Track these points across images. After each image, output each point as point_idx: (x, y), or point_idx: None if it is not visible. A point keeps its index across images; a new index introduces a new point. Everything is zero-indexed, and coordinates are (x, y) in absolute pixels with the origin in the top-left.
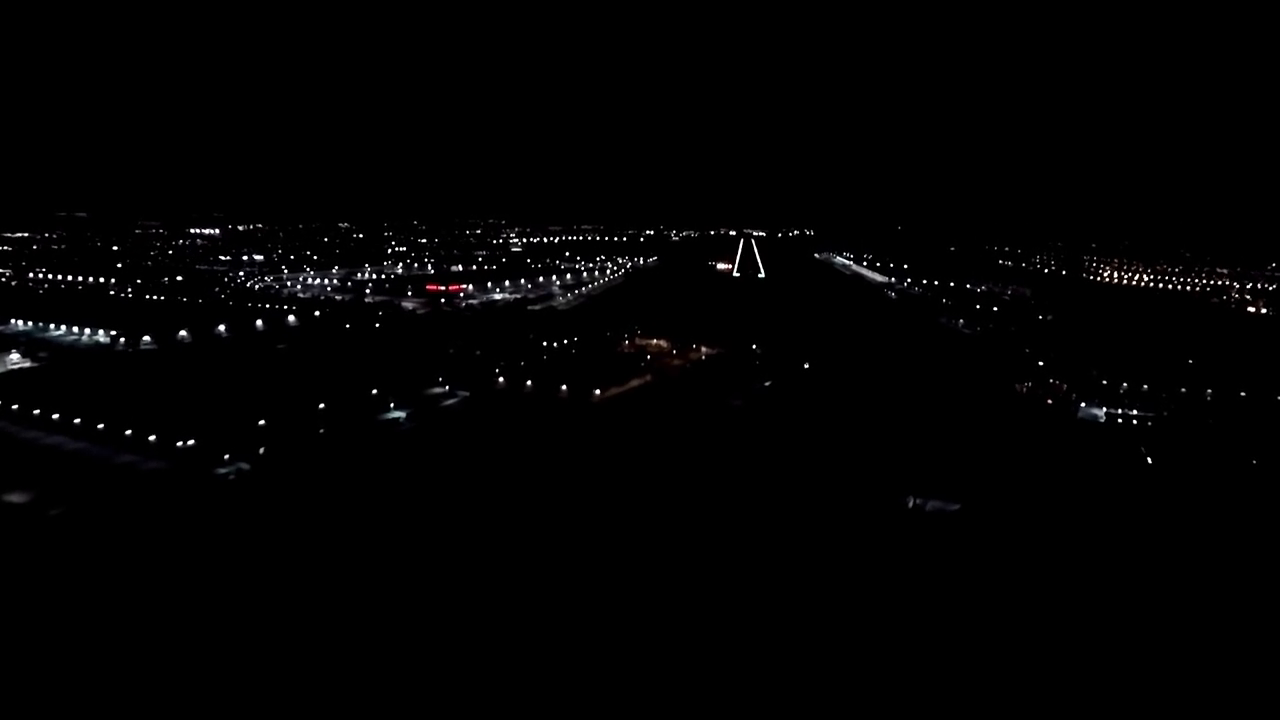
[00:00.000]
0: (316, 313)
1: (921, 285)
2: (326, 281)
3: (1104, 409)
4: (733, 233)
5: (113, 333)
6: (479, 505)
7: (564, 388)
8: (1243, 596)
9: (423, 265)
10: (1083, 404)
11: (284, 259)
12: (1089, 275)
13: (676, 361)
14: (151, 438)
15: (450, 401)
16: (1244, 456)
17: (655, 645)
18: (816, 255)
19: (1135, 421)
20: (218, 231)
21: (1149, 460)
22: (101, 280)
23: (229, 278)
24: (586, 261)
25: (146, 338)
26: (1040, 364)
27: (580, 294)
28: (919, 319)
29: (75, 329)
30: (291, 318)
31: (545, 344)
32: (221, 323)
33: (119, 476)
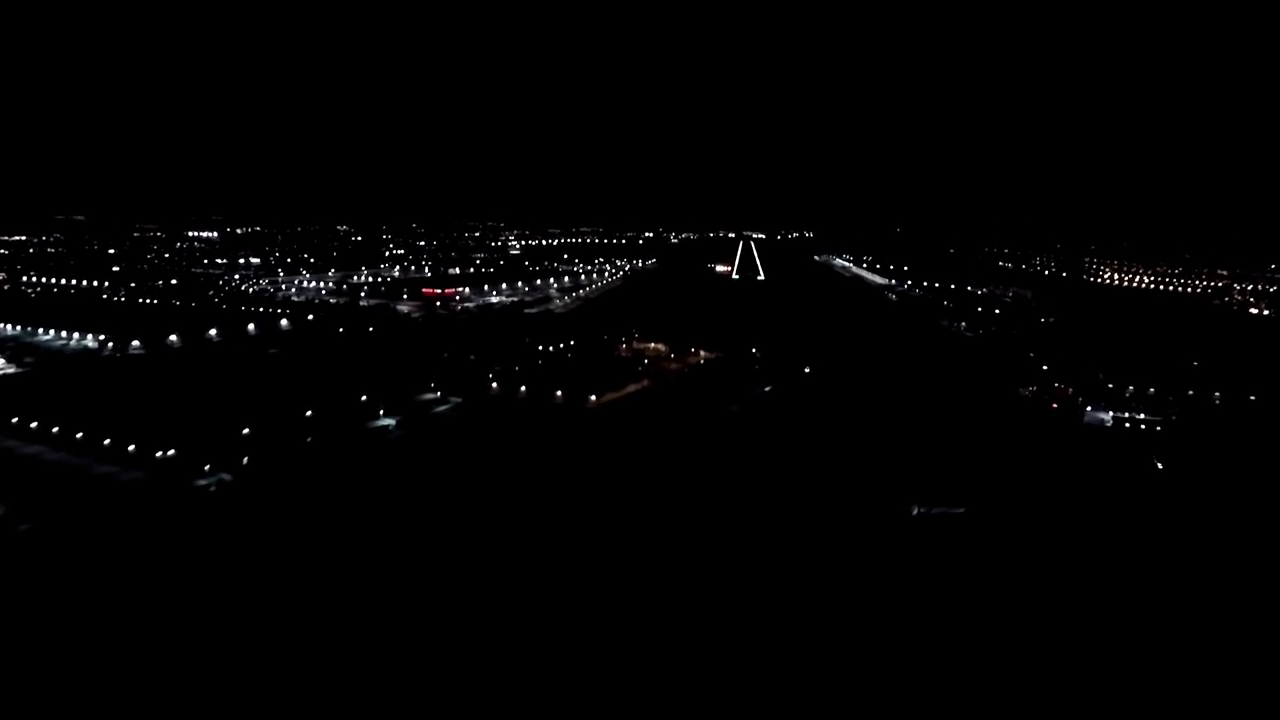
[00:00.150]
0: (310, 316)
1: (922, 287)
2: (322, 284)
3: (1110, 413)
4: (732, 235)
5: (101, 337)
6: (468, 517)
7: (559, 393)
8: (1261, 608)
9: (420, 268)
10: (1088, 408)
11: (281, 262)
12: (1089, 277)
13: (675, 366)
14: (130, 447)
15: (442, 408)
16: (1257, 462)
17: (654, 663)
18: (816, 257)
19: (1143, 426)
20: (216, 234)
21: (1159, 466)
22: (95, 283)
23: (224, 281)
24: (585, 264)
25: (135, 342)
26: (1044, 367)
27: (578, 297)
28: (920, 322)
29: (64, 333)
30: (284, 321)
31: (541, 348)
32: (213, 326)
33: (95, 489)
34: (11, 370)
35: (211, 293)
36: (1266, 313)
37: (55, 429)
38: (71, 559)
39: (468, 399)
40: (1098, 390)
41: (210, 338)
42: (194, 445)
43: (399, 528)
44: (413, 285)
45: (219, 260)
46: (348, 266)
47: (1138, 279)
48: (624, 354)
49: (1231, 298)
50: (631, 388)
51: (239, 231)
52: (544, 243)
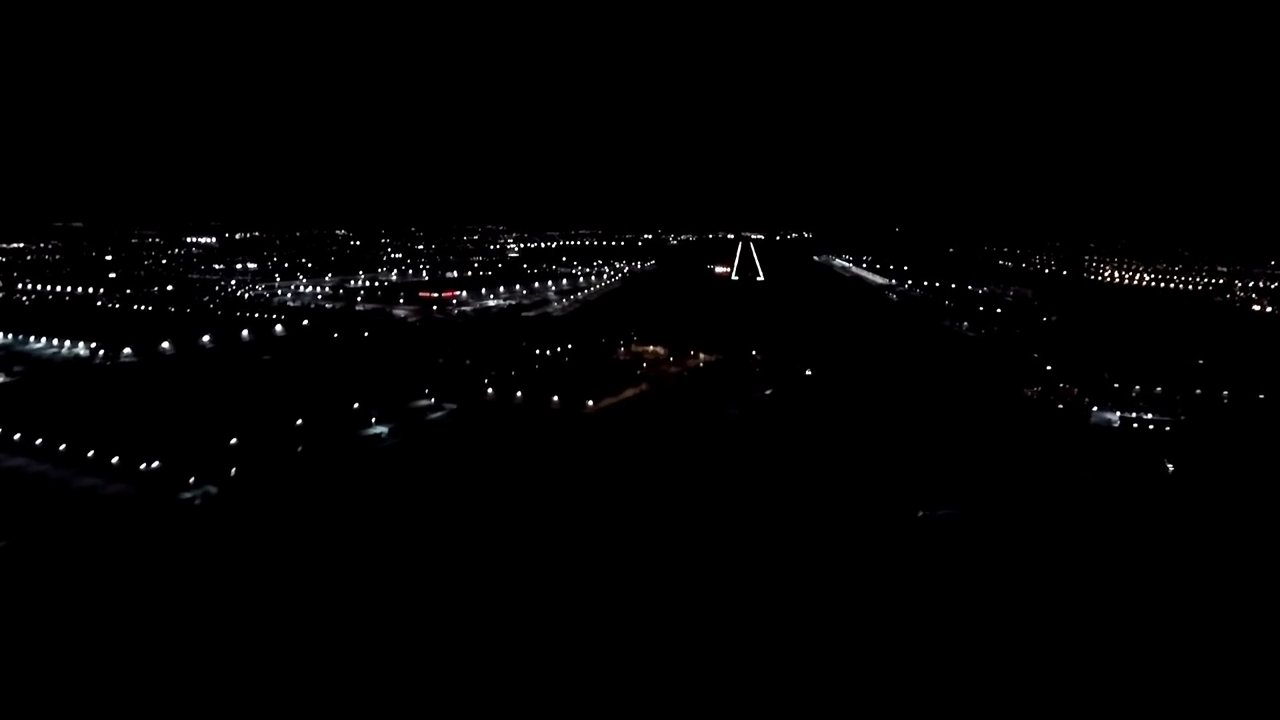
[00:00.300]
0: (305, 321)
1: (922, 287)
2: (318, 289)
3: (1117, 413)
4: (731, 236)
5: (93, 345)
6: (460, 529)
7: (556, 399)
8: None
9: (418, 272)
10: (1094, 408)
11: (278, 267)
12: (1090, 275)
13: (674, 369)
14: (115, 459)
15: (436, 415)
16: (1270, 463)
17: (655, 680)
18: (815, 258)
19: (1151, 426)
20: (214, 240)
21: (1170, 468)
22: (90, 290)
23: (220, 286)
24: (583, 266)
25: (127, 350)
26: (1048, 368)
27: (576, 299)
28: (922, 322)
29: (55, 341)
30: (279, 327)
31: (538, 352)
32: (206, 333)
33: (75, 503)
34: (1, 379)
35: (206, 299)
36: (1269, 309)
37: (39, 441)
38: (45, 577)
39: (463, 405)
40: (1103, 390)
41: (203, 344)
42: (179, 457)
43: (388, 541)
44: (410, 289)
45: (216, 266)
46: (345, 271)
47: (1138, 277)
48: (622, 357)
49: (1234, 294)
50: (630, 392)
51: (237, 237)
52: (542, 245)
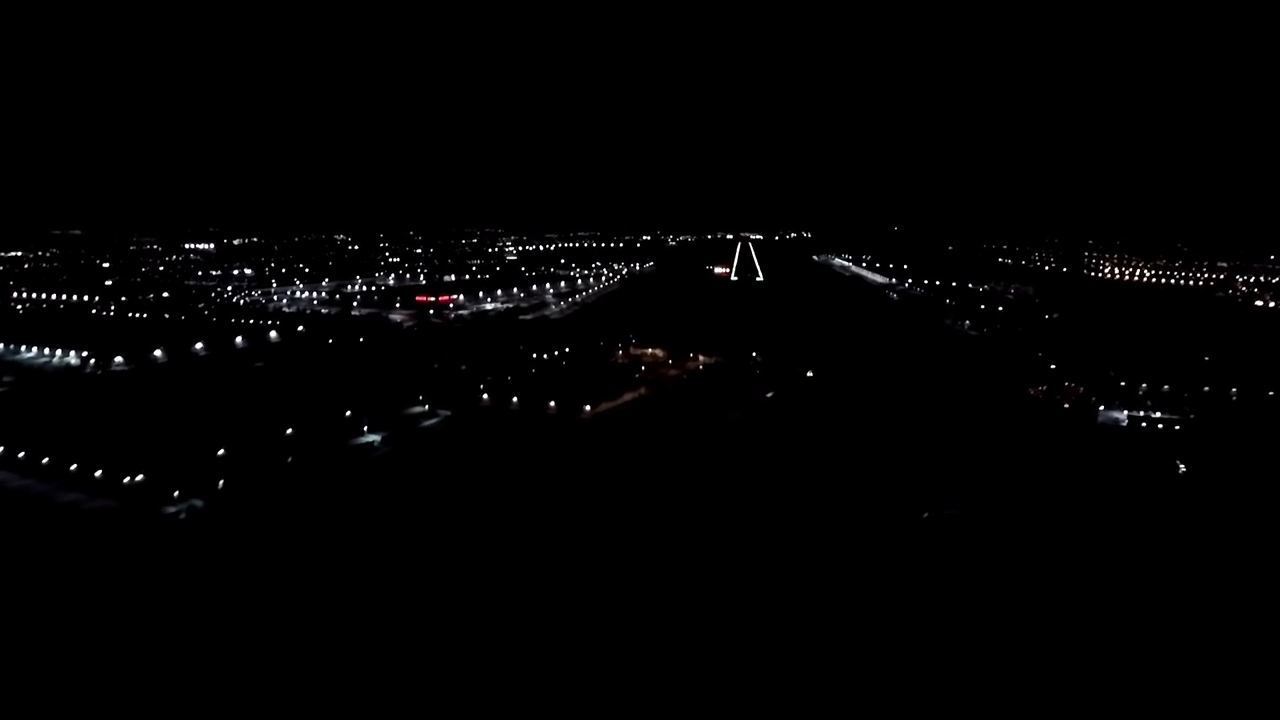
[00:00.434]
0: (300, 327)
1: (923, 286)
2: (315, 294)
3: (1125, 412)
4: (729, 236)
5: (84, 353)
6: (453, 541)
7: (553, 404)
8: None
9: (415, 276)
10: (1101, 407)
11: (275, 272)
12: (1089, 272)
13: (673, 372)
14: (98, 473)
15: (430, 422)
16: None
17: (655, 698)
18: (815, 257)
19: (1160, 426)
20: (212, 246)
21: (1181, 468)
22: (85, 298)
23: (216, 293)
24: (582, 268)
25: (119, 358)
26: (1052, 366)
27: (574, 302)
28: (923, 321)
29: (47, 350)
30: (273, 334)
31: (535, 356)
32: (199, 340)
33: (56, 519)
34: None
35: (201, 305)
36: (1272, 305)
37: (22, 454)
38: (18, 598)
39: (457, 411)
40: (1110, 388)
41: (196, 352)
42: (164, 470)
43: (377, 556)
44: (407, 293)
45: (213, 272)
46: (342, 276)
47: (1138, 273)
48: (621, 361)
49: (1235, 290)
50: (628, 396)
51: (236, 243)
52: (541, 248)
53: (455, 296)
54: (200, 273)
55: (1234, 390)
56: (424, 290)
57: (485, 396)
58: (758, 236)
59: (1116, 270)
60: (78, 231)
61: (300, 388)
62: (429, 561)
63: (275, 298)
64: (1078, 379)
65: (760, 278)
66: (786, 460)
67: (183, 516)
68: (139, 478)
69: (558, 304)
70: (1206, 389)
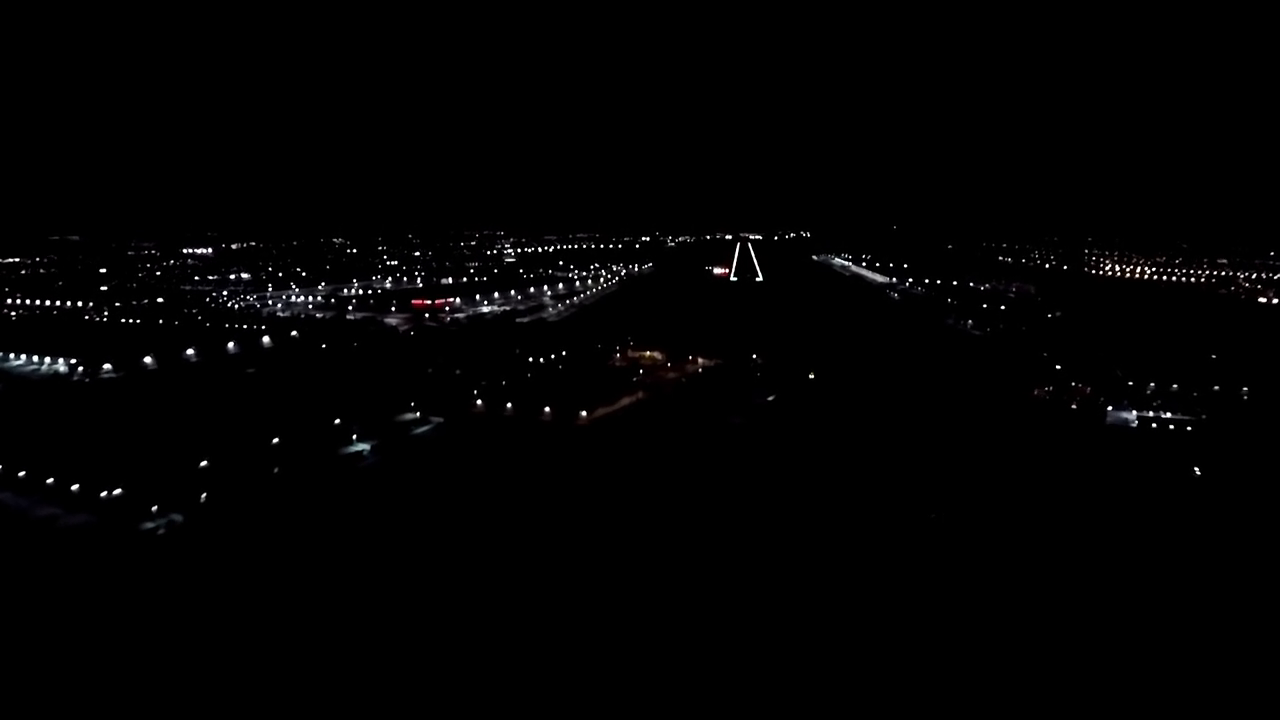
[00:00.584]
0: (293, 332)
1: (923, 285)
2: (310, 298)
3: (1134, 413)
4: (729, 236)
5: (72, 361)
6: (442, 554)
7: (548, 409)
8: None
9: (413, 279)
10: (1109, 408)
11: (272, 276)
12: (1090, 270)
13: (672, 375)
14: (75, 487)
15: (422, 429)
16: None
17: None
18: (814, 257)
19: (1172, 427)
20: (210, 250)
21: (1196, 470)
22: (79, 304)
23: (210, 297)
24: (580, 270)
25: (107, 365)
26: (1058, 366)
27: (572, 304)
28: (925, 321)
29: (36, 358)
30: (266, 339)
31: (531, 360)
32: (191, 346)
33: (30, 534)
34: None
35: (195, 310)
36: (1276, 301)
37: (0, 466)
38: None
39: (450, 418)
40: (1117, 388)
41: (187, 358)
42: (144, 483)
43: (361, 573)
44: (403, 297)
45: (210, 277)
46: (339, 279)
47: (1139, 270)
48: (619, 364)
49: (1238, 287)
50: (626, 400)
51: (234, 247)
52: (540, 250)
53: (451, 299)
54: (197, 277)
55: (1245, 390)
56: (421, 293)
57: (479, 402)
58: (757, 237)
59: (1117, 268)
60: (75, 237)
61: (291, 394)
62: (414, 578)
63: (271, 302)
64: (1084, 379)
65: (760, 278)
66: (791, 467)
67: (161, 532)
68: (117, 491)
69: (555, 306)
70: (1217, 388)
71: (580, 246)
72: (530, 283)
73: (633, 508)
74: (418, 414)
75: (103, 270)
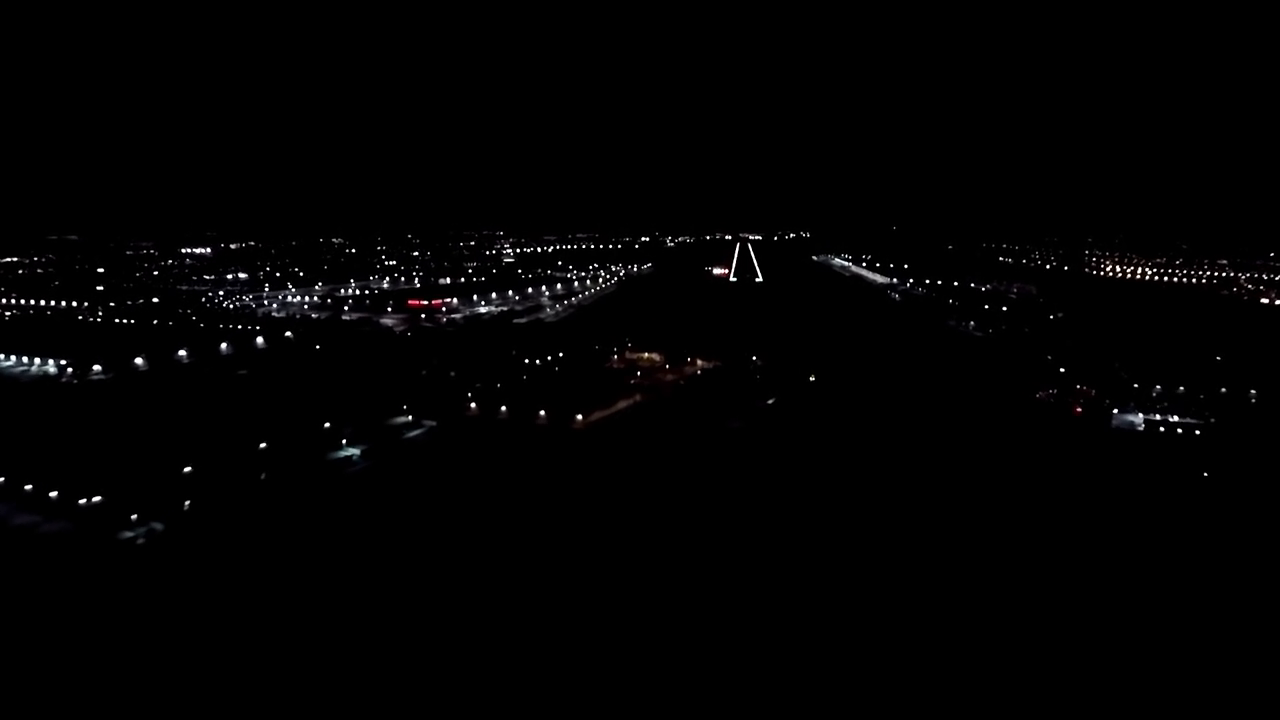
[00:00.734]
0: (287, 333)
1: (924, 286)
2: (306, 298)
3: (1140, 415)
4: (728, 237)
5: (62, 362)
6: (430, 565)
7: (542, 413)
8: None
9: (410, 279)
10: (1115, 410)
11: (269, 276)
12: (1090, 270)
13: (670, 377)
14: (53, 493)
15: (414, 433)
16: None
17: None
18: (814, 257)
19: (1179, 430)
20: (209, 250)
21: (1205, 475)
22: (74, 304)
23: (206, 297)
24: (579, 270)
25: (97, 367)
26: (1061, 369)
27: (570, 304)
28: (926, 322)
29: (25, 359)
30: (259, 339)
31: (526, 362)
32: (183, 347)
33: (7, 542)
34: None
35: (190, 310)
36: (1279, 303)
37: None
38: None
39: (443, 422)
40: (1123, 391)
41: (178, 359)
42: (125, 490)
43: (345, 585)
44: (399, 297)
45: (207, 276)
46: (337, 279)
47: (1140, 271)
48: (616, 366)
49: (1240, 288)
50: (623, 404)
51: (233, 247)
52: (539, 250)
53: (448, 300)
54: (195, 277)
55: (1252, 392)
56: (418, 293)
57: (473, 405)
58: (756, 237)
59: (1118, 269)
60: (74, 236)
61: (282, 397)
62: (401, 591)
63: (266, 302)
64: (1089, 381)
65: (760, 278)
66: (791, 473)
67: (140, 541)
68: (96, 499)
69: (553, 307)
70: (1223, 390)
71: (580, 247)
72: (528, 283)
73: (626, 516)
74: (410, 417)
75: (100, 270)
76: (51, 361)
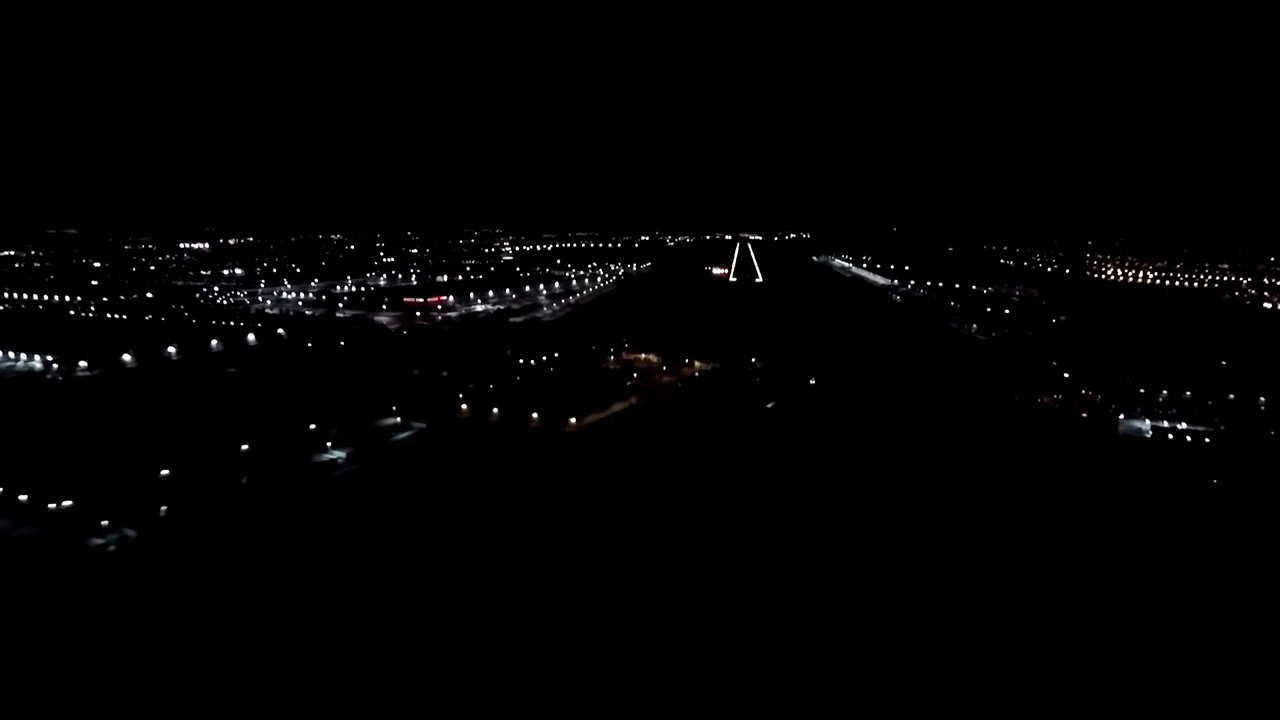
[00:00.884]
0: (280, 330)
1: (925, 287)
2: (301, 295)
3: (1148, 422)
4: (728, 236)
5: (48, 358)
6: (414, 576)
7: (535, 415)
8: None
9: (407, 276)
10: (1122, 416)
11: (265, 272)
12: (1092, 273)
13: (667, 379)
14: (23, 497)
15: (403, 435)
16: None
17: None
18: (815, 258)
19: (1188, 437)
20: (207, 245)
21: (1214, 482)
22: (67, 299)
23: (200, 293)
24: (578, 269)
25: (83, 363)
26: (1065, 374)
27: (568, 304)
28: (928, 325)
29: (11, 354)
30: (251, 337)
31: (521, 362)
32: (173, 343)
33: None
34: None
35: (183, 306)
36: None
37: None
38: None
39: (433, 424)
40: (1129, 396)
41: (167, 356)
42: (98, 494)
43: (324, 596)
44: (395, 294)
45: (204, 272)
46: (333, 276)
47: (1141, 275)
48: (612, 367)
49: (1242, 292)
50: (618, 406)
51: (231, 242)
52: (538, 248)
53: (445, 297)
54: (191, 273)
55: (1261, 399)
56: (414, 291)
57: (464, 407)
58: (756, 237)
59: (1119, 272)
60: (72, 231)
61: (269, 396)
62: (379, 600)
63: (261, 298)
64: (1094, 386)
65: (759, 279)
66: (791, 479)
67: (111, 549)
68: (66, 503)
69: (550, 306)
70: (1231, 397)
71: (579, 245)
72: (526, 281)
73: (619, 524)
74: (399, 419)
75: (97, 264)
76: (38, 357)
